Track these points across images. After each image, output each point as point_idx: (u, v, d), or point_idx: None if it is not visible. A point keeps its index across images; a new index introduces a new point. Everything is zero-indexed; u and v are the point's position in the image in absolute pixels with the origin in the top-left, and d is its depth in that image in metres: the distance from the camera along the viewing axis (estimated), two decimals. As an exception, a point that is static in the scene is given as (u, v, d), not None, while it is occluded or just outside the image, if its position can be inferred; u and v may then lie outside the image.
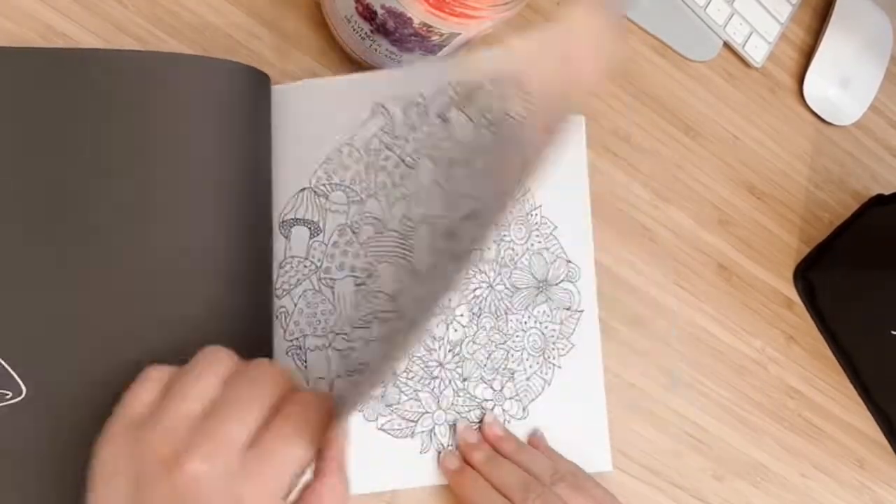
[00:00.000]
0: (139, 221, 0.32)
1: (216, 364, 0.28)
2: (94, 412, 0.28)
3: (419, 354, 0.39)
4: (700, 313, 0.49)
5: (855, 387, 0.53)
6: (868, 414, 0.53)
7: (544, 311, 0.43)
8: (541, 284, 0.43)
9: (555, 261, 0.44)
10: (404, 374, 0.39)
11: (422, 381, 0.39)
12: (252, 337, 0.34)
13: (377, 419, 0.37)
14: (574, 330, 0.43)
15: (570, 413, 0.42)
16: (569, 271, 0.44)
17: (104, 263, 0.32)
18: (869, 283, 0.48)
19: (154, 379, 0.28)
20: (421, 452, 0.38)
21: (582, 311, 0.44)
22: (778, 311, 0.51)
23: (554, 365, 0.43)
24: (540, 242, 0.44)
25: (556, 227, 0.44)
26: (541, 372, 0.42)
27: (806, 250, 0.53)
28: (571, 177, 0.45)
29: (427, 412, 0.39)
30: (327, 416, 0.28)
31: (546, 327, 0.43)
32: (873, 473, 0.52)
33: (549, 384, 0.42)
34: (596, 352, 0.44)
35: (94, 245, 0.32)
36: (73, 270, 0.31)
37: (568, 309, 0.44)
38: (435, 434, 0.39)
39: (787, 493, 0.49)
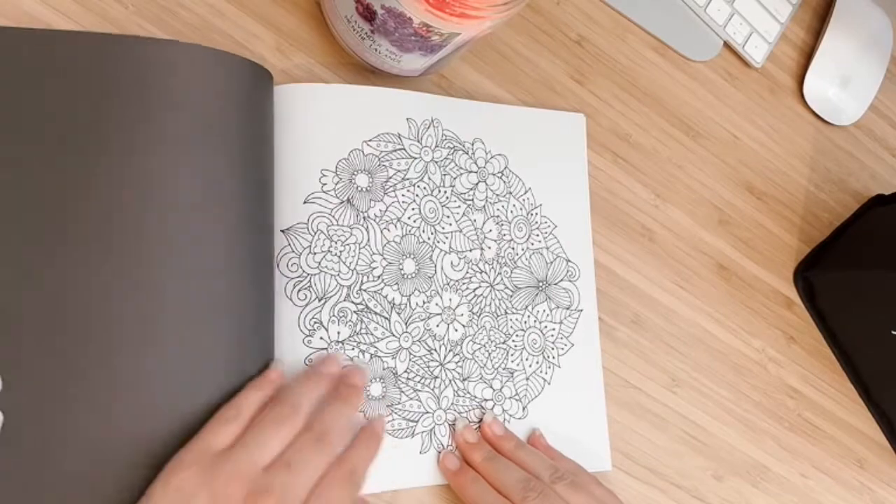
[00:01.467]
0: (134, 213, 0.32)
1: (294, 415, 0.32)
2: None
3: (420, 354, 0.39)
4: (700, 313, 0.49)
5: (855, 387, 0.53)
6: (868, 414, 0.53)
7: (544, 311, 0.43)
8: (541, 284, 0.43)
9: (554, 260, 0.44)
10: (405, 375, 0.38)
11: (422, 381, 0.39)
12: (253, 336, 0.34)
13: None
14: (573, 329, 0.44)
15: (570, 412, 0.42)
16: (568, 270, 0.44)
17: (95, 259, 0.31)
18: (869, 283, 0.48)
19: (234, 420, 0.31)
20: (421, 452, 0.38)
21: (581, 311, 0.44)
22: (778, 311, 0.51)
23: (554, 364, 0.43)
24: (540, 242, 0.44)
25: (556, 227, 0.44)
26: (540, 371, 0.42)
27: (806, 250, 0.53)
28: (572, 176, 0.45)
29: (427, 412, 0.39)
30: (369, 463, 0.34)
31: (546, 327, 0.43)
32: (873, 473, 0.52)
33: (549, 383, 0.42)
34: (595, 351, 0.44)
35: (83, 239, 0.31)
36: (62, 268, 0.31)
37: (567, 308, 0.44)
38: (435, 434, 0.39)
39: (787, 493, 0.49)
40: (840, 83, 0.55)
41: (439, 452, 0.39)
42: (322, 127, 0.38)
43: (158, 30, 0.37)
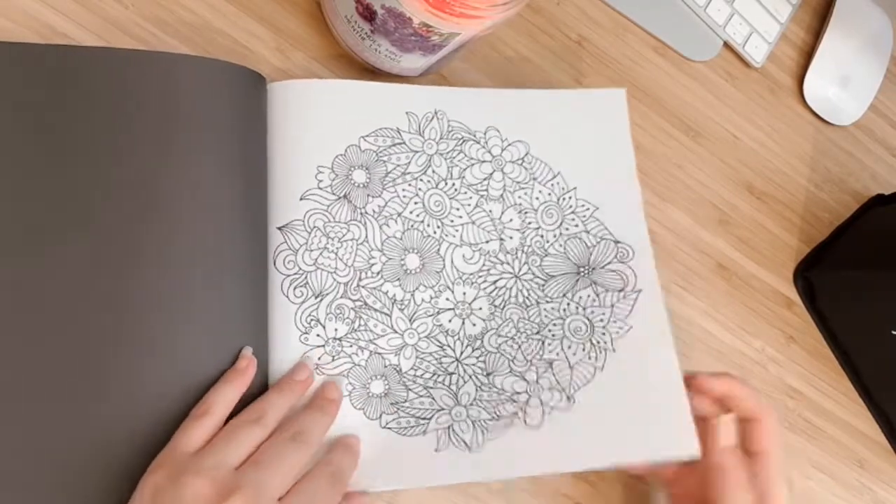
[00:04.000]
0: (128, 220, 0.32)
1: (263, 419, 0.31)
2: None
3: (430, 351, 0.38)
4: (700, 313, 0.48)
5: (855, 387, 0.53)
6: (868, 414, 0.53)
7: (589, 296, 0.41)
8: (582, 269, 0.41)
9: (598, 243, 0.42)
10: (412, 372, 0.38)
11: (434, 378, 0.38)
12: (247, 336, 0.34)
13: (381, 417, 0.37)
14: (631, 311, 0.41)
15: (634, 396, 0.39)
16: (618, 252, 0.42)
17: (92, 261, 0.32)
18: (869, 283, 0.48)
19: (204, 417, 0.31)
20: (437, 450, 0.37)
21: (640, 291, 0.42)
22: (778, 311, 0.51)
23: (607, 349, 0.40)
24: (577, 226, 0.42)
25: (597, 209, 0.43)
26: (589, 358, 0.40)
27: (806, 250, 0.53)
28: (614, 153, 0.44)
29: (443, 409, 0.38)
30: (352, 469, 0.34)
31: (592, 312, 0.41)
32: (873, 473, 0.52)
33: (602, 369, 0.40)
34: (665, 330, 0.41)
35: (81, 243, 0.32)
36: (62, 267, 0.31)
37: (621, 290, 0.42)
38: (454, 431, 0.38)
39: (786, 492, 0.49)
40: (840, 83, 0.55)
41: (459, 449, 0.37)
42: (318, 123, 0.38)
43: (158, 30, 0.37)
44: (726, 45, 0.53)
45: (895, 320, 0.46)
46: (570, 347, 0.40)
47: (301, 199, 0.37)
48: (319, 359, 0.36)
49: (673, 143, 0.50)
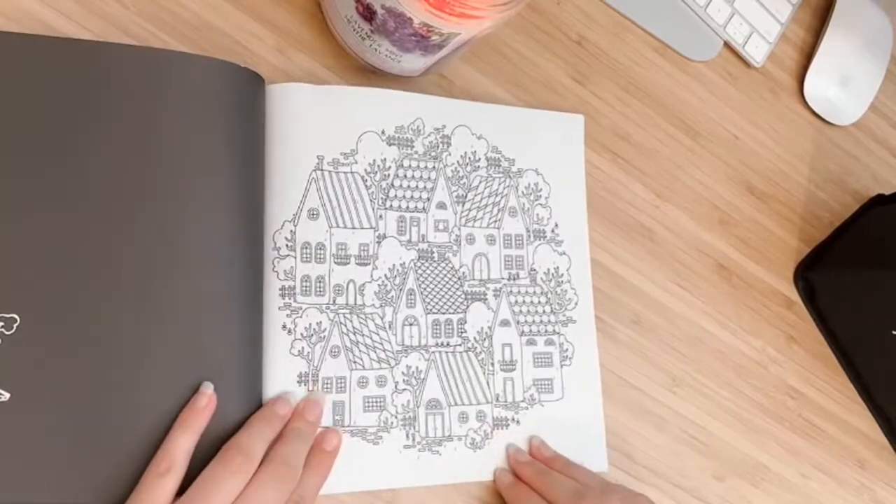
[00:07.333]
0: (123, 219, 0.32)
1: (249, 464, 0.31)
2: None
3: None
4: (700, 313, 0.48)
5: (855, 387, 0.53)
6: (868, 414, 0.53)
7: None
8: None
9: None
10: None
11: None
12: (244, 338, 0.34)
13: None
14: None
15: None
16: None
17: (86, 264, 0.31)
18: (869, 283, 0.48)
19: (169, 473, 0.30)
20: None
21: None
22: (778, 311, 0.51)
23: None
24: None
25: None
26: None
27: (806, 250, 0.53)
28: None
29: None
30: (325, 478, 0.34)
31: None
32: (873, 473, 0.52)
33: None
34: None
35: (76, 242, 0.31)
36: (57, 270, 0.31)
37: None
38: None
39: (787, 493, 0.49)
40: (840, 83, 0.55)
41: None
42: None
43: (158, 30, 0.37)
44: (726, 45, 0.53)
45: (895, 320, 0.46)
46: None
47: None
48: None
49: (673, 143, 0.50)
